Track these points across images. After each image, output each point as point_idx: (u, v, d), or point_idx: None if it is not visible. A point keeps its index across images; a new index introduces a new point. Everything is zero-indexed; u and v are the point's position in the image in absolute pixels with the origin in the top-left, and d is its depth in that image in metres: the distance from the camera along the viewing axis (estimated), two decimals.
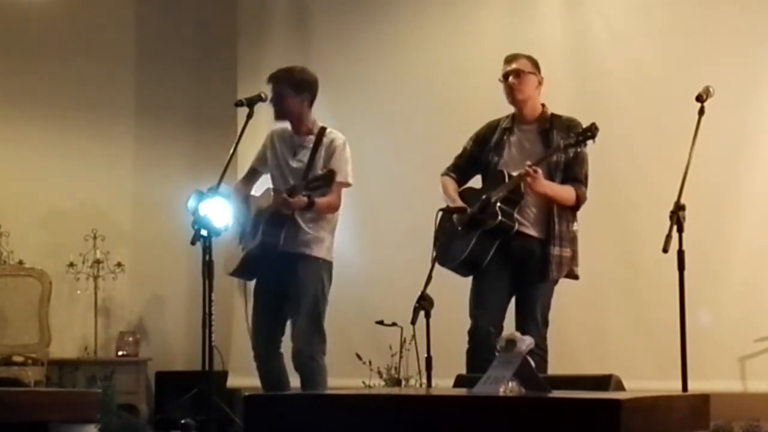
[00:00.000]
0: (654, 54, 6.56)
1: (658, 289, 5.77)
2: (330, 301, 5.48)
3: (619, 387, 3.64)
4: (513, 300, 5.25)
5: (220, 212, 5.30)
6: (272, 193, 5.44)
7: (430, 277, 4.92)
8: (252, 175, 5.76)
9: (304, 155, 5.48)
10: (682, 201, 4.53)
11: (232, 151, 5.41)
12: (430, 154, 6.58)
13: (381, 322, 6.00)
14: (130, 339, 8.07)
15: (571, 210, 5.22)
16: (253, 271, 5.60)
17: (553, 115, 5.31)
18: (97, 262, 8.04)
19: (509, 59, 5.32)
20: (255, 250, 5.44)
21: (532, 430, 2.63)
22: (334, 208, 5.46)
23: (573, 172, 5.20)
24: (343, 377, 5.98)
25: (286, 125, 5.58)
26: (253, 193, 5.71)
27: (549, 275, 5.14)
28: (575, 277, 5.26)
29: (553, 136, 5.20)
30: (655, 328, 6.09)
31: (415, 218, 6.21)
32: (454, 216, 5.28)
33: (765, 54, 6.29)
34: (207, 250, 5.09)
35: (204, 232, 5.10)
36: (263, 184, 5.69)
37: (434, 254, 5.10)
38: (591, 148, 5.18)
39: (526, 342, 2.95)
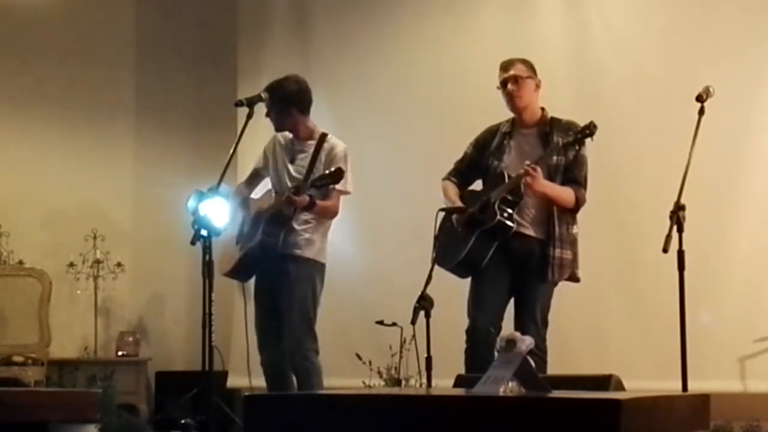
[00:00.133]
0: (654, 54, 6.56)
1: (658, 289, 5.77)
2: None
3: (619, 387, 3.64)
4: (512, 300, 5.26)
5: (220, 212, 5.31)
6: (273, 195, 5.46)
7: (430, 277, 4.92)
8: (254, 178, 5.78)
9: (303, 160, 5.52)
10: (682, 201, 4.53)
11: (232, 151, 5.41)
12: (430, 154, 6.59)
13: (381, 322, 6.00)
14: (130, 339, 8.08)
15: (570, 212, 5.22)
16: (249, 272, 5.63)
17: (552, 118, 5.31)
18: (97, 262, 8.05)
19: (505, 66, 5.32)
20: (254, 250, 5.46)
21: (532, 430, 2.63)
22: (333, 213, 5.49)
23: (573, 174, 5.21)
24: (343, 377, 5.99)
25: None
26: (252, 195, 5.73)
27: (549, 277, 5.14)
28: (576, 279, 5.26)
29: (553, 139, 5.20)
30: (655, 328, 6.09)
31: (415, 218, 6.21)
32: (454, 216, 5.29)
33: (765, 54, 6.30)
34: (207, 250, 5.10)
35: (204, 232, 5.11)
36: (265, 188, 5.71)
37: (434, 254, 5.11)
38: (591, 147, 5.19)
39: (526, 342, 2.95)
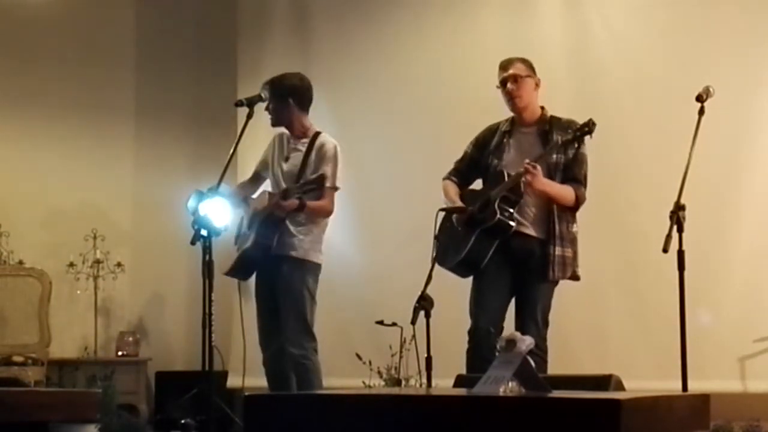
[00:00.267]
0: (654, 54, 6.56)
1: (658, 289, 5.77)
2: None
3: (619, 387, 3.64)
4: (513, 300, 5.26)
5: (220, 212, 5.32)
6: (267, 196, 5.48)
7: (430, 277, 4.93)
8: (255, 179, 5.81)
9: (296, 158, 5.53)
10: (682, 201, 4.53)
11: (232, 151, 5.42)
12: (430, 154, 6.59)
13: (381, 322, 6.00)
14: (130, 339, 8.07)
15: (570, 211, 5.22)
16: (248, 270, 5.64)
17: (552, 117, 5.32)
18: (97, 262, 8.04)
19: (504, 65, 5.33)
20: (250, 250, 5.48)
21: (532, 430, 2.63)
22: (327, 212, 5.50)
23: (572, 173, 5.21)
24: (343, 377, 5.99)
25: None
26: (253, 196, 5.74)
27: (550, 275, 5.14)
28: (577, 278, 5.26)
29: (553, 138, 5.20)
30: (655, 328, 6.09)
31: (415, 218, 6.21)
32: (454, 216, 5.29)
33: (765, 54, 6.29)
34: (207, 250, 5.11)
35: (204, 232, 5.11)
36: (266, 188, 5.71)
37: (434, 254, 5.11)
38: (590, 147, 5.19)
39: (526, 342, 2.95)
